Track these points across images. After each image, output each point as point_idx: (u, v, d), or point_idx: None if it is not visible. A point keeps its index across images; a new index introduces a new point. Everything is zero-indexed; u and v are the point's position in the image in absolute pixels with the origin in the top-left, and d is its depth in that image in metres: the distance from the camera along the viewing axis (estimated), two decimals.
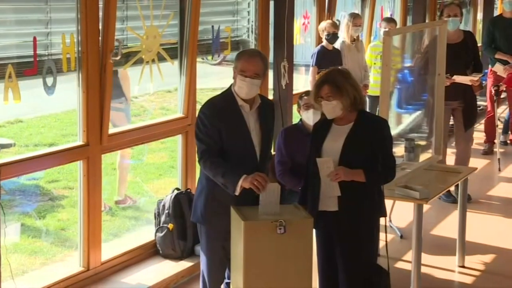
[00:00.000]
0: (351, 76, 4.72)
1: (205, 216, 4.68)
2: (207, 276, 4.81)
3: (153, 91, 9.64)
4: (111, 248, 6.02)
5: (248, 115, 4.58)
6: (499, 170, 9.02)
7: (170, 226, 6.02)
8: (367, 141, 4.60)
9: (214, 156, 4.51)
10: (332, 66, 8.08)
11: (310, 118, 6.03)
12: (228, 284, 4.94)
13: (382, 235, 4.93)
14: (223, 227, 4.65)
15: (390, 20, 8.96)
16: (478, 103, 8.98)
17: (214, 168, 4.51)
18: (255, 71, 4.52)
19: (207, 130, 4.51)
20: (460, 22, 7.72)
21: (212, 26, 6.69)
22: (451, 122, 7.97)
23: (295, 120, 6.51)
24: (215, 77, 13.21)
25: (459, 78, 7.41)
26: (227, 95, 4.61)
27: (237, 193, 4.48)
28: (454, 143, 8.08)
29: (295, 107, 7.87)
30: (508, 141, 10.20)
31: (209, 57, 8.83)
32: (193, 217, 4.80)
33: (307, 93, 6.27)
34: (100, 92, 5.49)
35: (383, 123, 4.73)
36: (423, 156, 6.39)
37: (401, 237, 6.78)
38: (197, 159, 4.63)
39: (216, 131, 4.50)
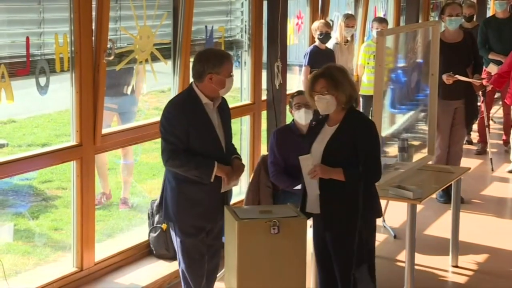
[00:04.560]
0: (348, 73, 4.74)
1: (177, 215, 4.73)
2: (188, 273, 4.82)
3: (147, 91, 9.62)
4: (105, 249, 6.01)
5: (212, 112, 4.69)
6: (492, 170, 9.04)
7: (164, 226, 6.01)
8: (349, 142, 4.60)
9: (182, 153, 4.60)
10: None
11: (302, 117, 6.03)
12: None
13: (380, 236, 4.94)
14: (196, 223, 4.73)
15: (381, 20, 8.98)
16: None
17: (187, 162, 4.60)
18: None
19: (174, 130, 4.59)
20: (461, 21, 7.78)
21: (206, 26, 6.68)
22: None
23: (289, 120, 6.51)
24: None
25: (462, 78, 7.46)
26: (190, 95, 4.69)
27: (211, 180, 4.61)
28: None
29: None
30: (501, 141, 10.22)
31: None
32: (164, 217, 4.84)
33: (299, 92, 6.27)
34: (94, 92, 5.48)
35: (367, 124, 4.68)
36: (417, 156, 6.40)
37: (395, 237, 6.79)
38: (163, 159, 4.67)
39: (183, 130, 4.58)
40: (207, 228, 4.81)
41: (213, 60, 4.62)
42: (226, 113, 4.82)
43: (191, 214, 4.72)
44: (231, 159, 4.78)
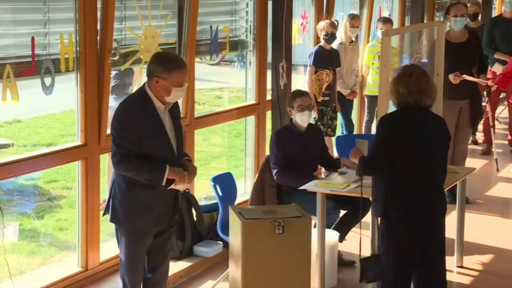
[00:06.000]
0: (406, 72, 4.74)
1: (126, 218, 4.59)
2: (127, 274, 4.69)
3: None
4: (110, 248, 6.01)
5: (164, 115, 4.55)
6: (497, 170, 9.03)
7: None
8: None
9: (133, 157, 4.47)
10: (330, 66, 8.21)
11: (304, 120, 6.04)
12: (145, 280, 4.81)
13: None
14: (145, 227, 4.60)
15: (386, 20, 8.99)
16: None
17: (138, 167, 4.48)
18: (186, 78, 4.54)
19: (127, 135, 4.46)
20: (466, 21, 7.83)
21: (211, 26, 6.69)
22: None
23: None
24: (214, 77, 13.21)
25: (469, 78, 7.48)
26: (143, 97, 4.52)
27: (163, 184, 4.48)
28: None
29: None
30: (507, 141, 10.21)
31: (208, 57, 8.83)
32: (111, 218, 4.68)
33: (300, 93, 6.22)
34: (99, 92, 5.49)
35: (378, 123, 4.86)
36: None
37: None
38: (113, 163, 4.53)
39: (135, 135, 4.45)
40: (154, 232, 4.65)
41: (163, 64, 4.47)
42: (176, 115, 4.70)
43: (140, 218, 4.56)
44: (183, 161, 4.65)
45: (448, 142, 4.87)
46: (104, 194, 7.27)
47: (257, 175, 6.28)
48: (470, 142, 9.66)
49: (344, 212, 6.09)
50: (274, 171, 5.98)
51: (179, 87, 4.47)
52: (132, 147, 4.46)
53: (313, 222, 5.35)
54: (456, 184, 6.15)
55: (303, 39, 8.58)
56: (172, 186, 4.53)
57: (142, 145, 4.47)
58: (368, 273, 4.85)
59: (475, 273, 6.16)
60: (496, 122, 10.33)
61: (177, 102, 4.76)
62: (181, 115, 4.87)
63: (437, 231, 4.84)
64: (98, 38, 5.45)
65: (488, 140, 9.77)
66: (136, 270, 4.70)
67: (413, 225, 4.72)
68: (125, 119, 4.47)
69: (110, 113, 5.73)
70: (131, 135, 4.45)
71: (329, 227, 5.84)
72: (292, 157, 5.98)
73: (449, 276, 6.14)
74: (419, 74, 4.74)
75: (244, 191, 7.29)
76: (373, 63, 8.86)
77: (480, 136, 10.21)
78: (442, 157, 4.81)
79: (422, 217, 4.73)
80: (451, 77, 7.38)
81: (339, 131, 8.62)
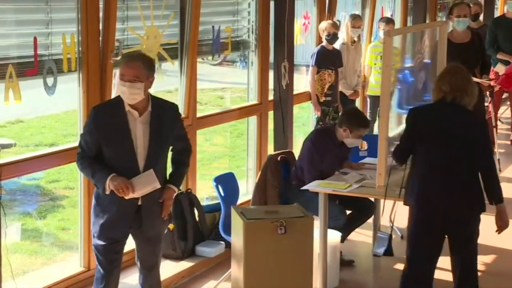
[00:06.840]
0: (445, 74, 4.85)
1: (91, 216, 4.56)
2: (101, 274, 4.60)
3: (154, 91, 9.62)
4: None
5: (136, 122, 4.37)
6: (500, 170, 9.02)
7: (171, 226, 6.02)
8: None
9: (87, 157, 4.43)
10: (332, 66, 8.21)
11: (354, 144, 6.05)
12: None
13: None
14: (100, 230, 4.49)
15: (388, 21, 9.00)
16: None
17: (86, 168, 4.43)
18: (134, 74, 4.28)
19: (86, 136, 4.43)
20: (469, 22, 7.84)
21: (213, 26, 6.69)
22: None
23: (296, 120, 6.50)
24: (216, 77, 13.22)
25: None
26: (116, 100, 4.42)
27: (107, 192, 4.36)
28: None
29: (296, 107, 7.89)
30: (509, 142, 10.21)
31: (210, 57, 8.84)
32: None
33: (367, 124, 6.20)
34: (101, 93, 5.49)
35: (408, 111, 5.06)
36: None
37: (402, 237, 6.78)
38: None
39: (94, 139, 4.39)
40: (114, 239, 4.50)
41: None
42: (161, 125, 4.41)
43: (98, 220, 4.50)
44: (165, 188, 4.50)
45: (483, 141, 4.82)
46: None
47: (259, 175, 6.28)
48: None
49: (349, 213, 6.09)
50: (308, 177, 5.90)
51: (123, 81, 4.30)
52: (87, 147, 4.43)
53: (316, 223, 5.36)
54: None
55: (305, 39, 8.59)
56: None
57: (102, 149, 4.41)
58: (376, 244, 5.29)
59: None
60: (498, 123, 10.33)
61: (173, 112, 4.53)
62: (178, 127, 4.60)
63: (457, 229, 4.99)
64: (100, 38, 5.45)
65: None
66: (100, 274, 4.57)
67: (426, 219, 4.83)
68: (90, 120, 4.44)
69: None
70: (90, 137, 4.41)
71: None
72: (324, 161, 5.96)
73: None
74: (462, 73, 4.86)
75: (246, 191, 7.29)
76: (375, 63, 8.86)
77: None
78: (472, 155, 4.77)
79: (437, 212, 4.80)
80: None
81: None
